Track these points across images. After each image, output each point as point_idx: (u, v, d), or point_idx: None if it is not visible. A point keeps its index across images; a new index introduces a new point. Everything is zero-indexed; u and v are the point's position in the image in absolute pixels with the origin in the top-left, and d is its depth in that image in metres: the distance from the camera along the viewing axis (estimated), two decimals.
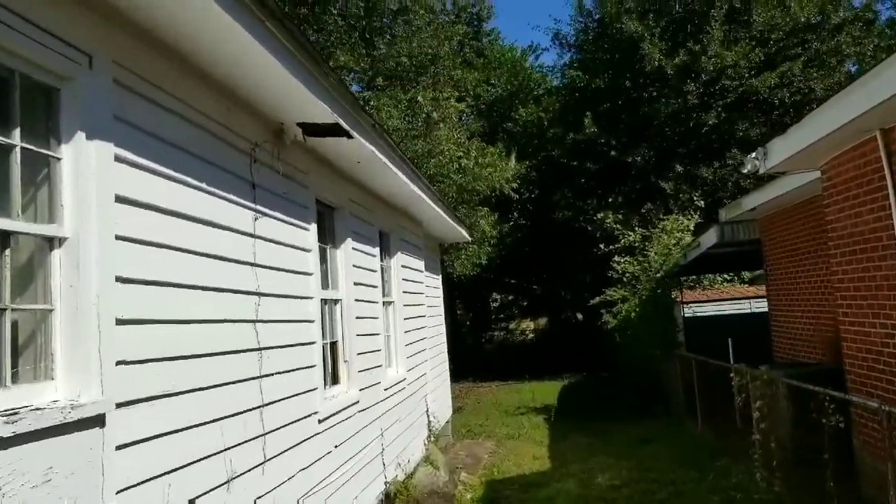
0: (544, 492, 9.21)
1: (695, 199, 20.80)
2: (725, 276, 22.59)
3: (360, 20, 21.29)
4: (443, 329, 13.41)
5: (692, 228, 16.95)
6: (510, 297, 34.92)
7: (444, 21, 24.71)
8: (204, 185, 3.86)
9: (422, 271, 10.92)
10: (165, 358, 3.34)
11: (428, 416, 10.47)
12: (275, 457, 4.54)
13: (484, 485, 9.87)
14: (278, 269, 4.89)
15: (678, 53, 22.74)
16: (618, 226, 22.05)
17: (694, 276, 23.27)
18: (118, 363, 2.97)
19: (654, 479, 9.36)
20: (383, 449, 7.52)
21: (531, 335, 35.57)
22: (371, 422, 7.14)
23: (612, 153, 22.85)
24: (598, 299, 16.60)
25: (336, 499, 5.82)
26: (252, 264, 4.43)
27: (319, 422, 5.51)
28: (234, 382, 4.01)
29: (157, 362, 3.27)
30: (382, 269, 8.67)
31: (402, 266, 9.38)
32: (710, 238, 13.78)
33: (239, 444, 4.06)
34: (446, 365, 13.57)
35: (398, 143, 14.04)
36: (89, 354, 2.80)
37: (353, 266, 6.91)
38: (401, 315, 9.08)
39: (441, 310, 13.41)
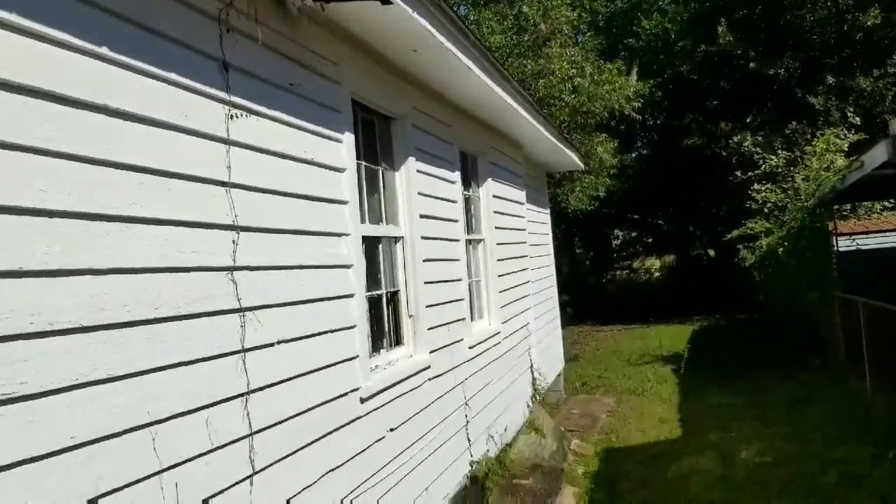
0: (674, 468, 7.52)
1: (849, 115, 17.79)
2: (886, 202, 19.40)
3: None
4: (552, 271, 11.73)
5: (847, 149, 14.37)
6: (633, 234, 32.47)
7: None
8: (105, 51, 2.37)
9: (522, 203, 9.24)
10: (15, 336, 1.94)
11: (532, 373, 8.93)
12: (273, 464, 3.13)
13: (600, 455, 8.29)
14: (281, 194, 3.40)
15: None
16: (757, 149, 19.56)
17: (847, 205, 20.25)
18: None
19: (816, 455, 7.46)
20: (468, 421, 6.05)
21: (657, 274, 33.07)
22: (449, 390, 5.67)
23: (751, 65, 19.90)
24: (735, 233, 14.36)
25: (395, 496, 4.42)
26: (224, 184, 2.95)
27: (362, 401, 4.06)
28: (178, 365, 2.59)
29: None
30: (467, 200, 7.08)
31: (495, 196, 7.75)
32: (877, 156, 11.19)
33: (197, 455, 2.65)
34: (556, 311, 11.93)
35: (502, 61, 12.22)
36: None
37: (420, 194, 5.35)
38: (493, 256, 7.49)
39: (549, 248, 11.71)
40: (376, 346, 4.70)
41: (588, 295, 27.67)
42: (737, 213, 20.56)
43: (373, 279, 4.74)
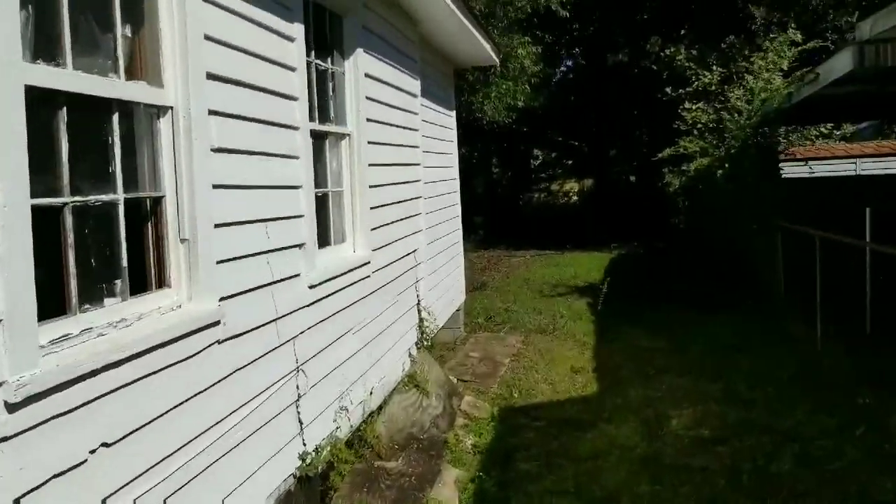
0: (587, 441, 5.87)
1: (790, 30, 16.24)
2: (822, 128, 18.15)
3: None
4: (455, 186, 9.79)
5: (785, 68, 12.87)
6: (553, 155, 30.82)
7: None
8: None
9: (415, 96, 7.18)
10: None
11: (419, 312, 7.07)
12: None
13: (497, 419, 6.59)
14: None
15: None
16: (690, 64, 18.00)
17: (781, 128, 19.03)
18: None
19: (764, 425, 5.94)
20: (301, 395, 4.13)
21: (575, 198, 31.66)
22: (264, 353, 3.71)
23: None
24: (667, 151, 12.72)
25: None
26: None
27: (11, 408, 2.07)
28: None
29: None
30: (321, 73, 4.97)
31: (370, 77, 5.65)
32: (837, 66, 9.62)
33: None
34: (459, 235, 10.05)
35: None
36: None
37: (209, 39, 3.25)
38: (363, 158, 5.45)
39: (454, 159, 9.73)
40: (91, 293, 2.67)
41: (502, 217, 26.09)
42: (663, 135, 19.10)
43: (92, 173, 2.68)
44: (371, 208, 5.53)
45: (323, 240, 4.85)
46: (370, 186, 5.53)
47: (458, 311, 9.69)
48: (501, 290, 13.65)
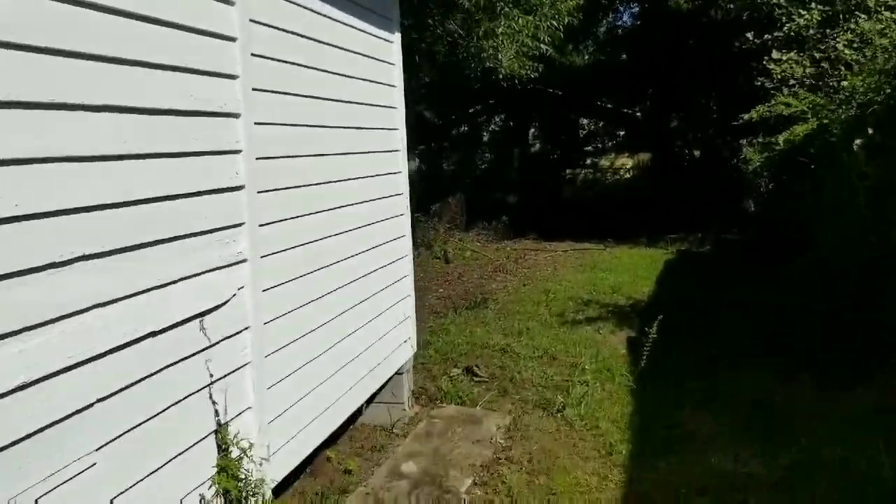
0: None
1: None
2: None
3: None
4: (399, 179, 5.71)
5: None
6: (601, 125, 26.21)
7: None
8: None
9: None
10: None
11: (224, 447, 3.13)
12: None
13: None
14: None
15: None
16: (780, 0, 13.56)
17: None
18: None
19: None
20: None
21: (627, 175, 27.03)
22: None
23: None
24: (757, 110, 8.42)
25: None
26: None
27: None
28: None
29: None
30: None
31: None
32: None
33: None
34: (406, 244, 5.94)
35: None
36: None
37: None
38: None
39: (393, 115, 5.66)
40: None
41: (537, 199, 21.88)
42: (738, 99, 14.81)
43: None
44: None
45: None
46: None
47: (399, 373, 5.73)
48: (507, 310, 9.56)
